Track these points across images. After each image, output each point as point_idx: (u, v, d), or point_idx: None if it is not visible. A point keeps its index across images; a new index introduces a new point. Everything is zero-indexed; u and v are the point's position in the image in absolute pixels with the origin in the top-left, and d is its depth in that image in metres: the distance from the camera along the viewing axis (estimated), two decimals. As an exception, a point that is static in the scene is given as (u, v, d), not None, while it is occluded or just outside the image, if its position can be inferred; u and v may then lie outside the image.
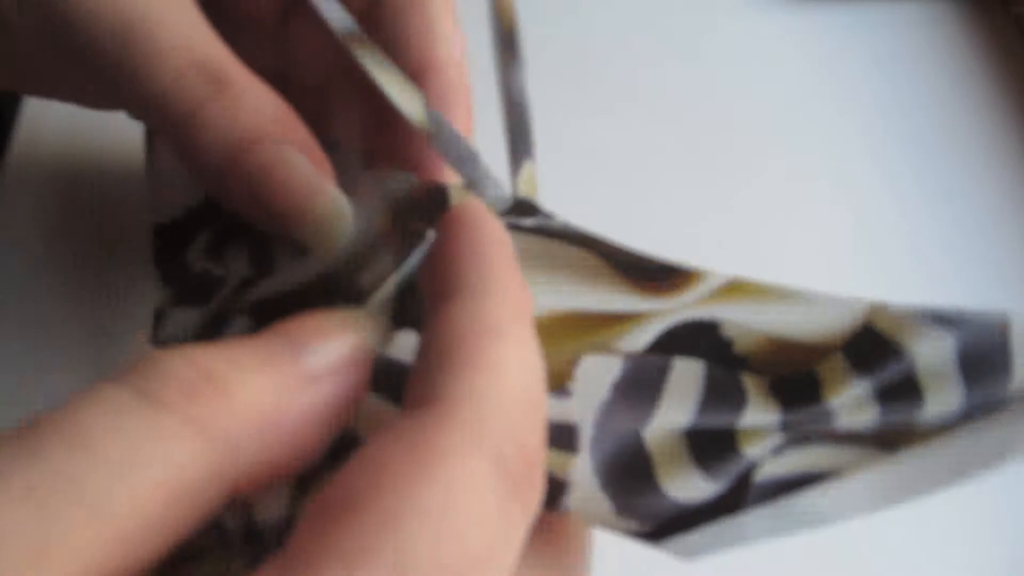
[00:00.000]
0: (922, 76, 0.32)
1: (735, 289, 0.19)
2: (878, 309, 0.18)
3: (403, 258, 0.20)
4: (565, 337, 0.20)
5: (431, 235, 0.19)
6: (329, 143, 0.22)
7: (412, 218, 0.21)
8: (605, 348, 0.19)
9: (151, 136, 0.25)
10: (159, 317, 0.23)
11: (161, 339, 0.22)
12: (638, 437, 0.18)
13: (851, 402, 0.18)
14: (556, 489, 0.18)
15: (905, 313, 0.18)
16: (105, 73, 0.20)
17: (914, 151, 0.31)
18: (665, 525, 0.18)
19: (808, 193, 0.29)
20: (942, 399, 0.17)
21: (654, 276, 0.20)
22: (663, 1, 0.33)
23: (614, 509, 0.18)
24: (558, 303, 0.20)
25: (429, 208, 0.21)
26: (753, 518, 0.17)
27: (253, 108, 0.20)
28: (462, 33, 0.23)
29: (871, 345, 0.18)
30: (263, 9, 0.24)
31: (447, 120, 0.20)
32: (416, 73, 0.22)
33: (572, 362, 0.19)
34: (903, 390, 0.17)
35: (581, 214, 0.23)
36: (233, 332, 0.21)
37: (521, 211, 0.20)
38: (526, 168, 0.20)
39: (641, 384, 0.19)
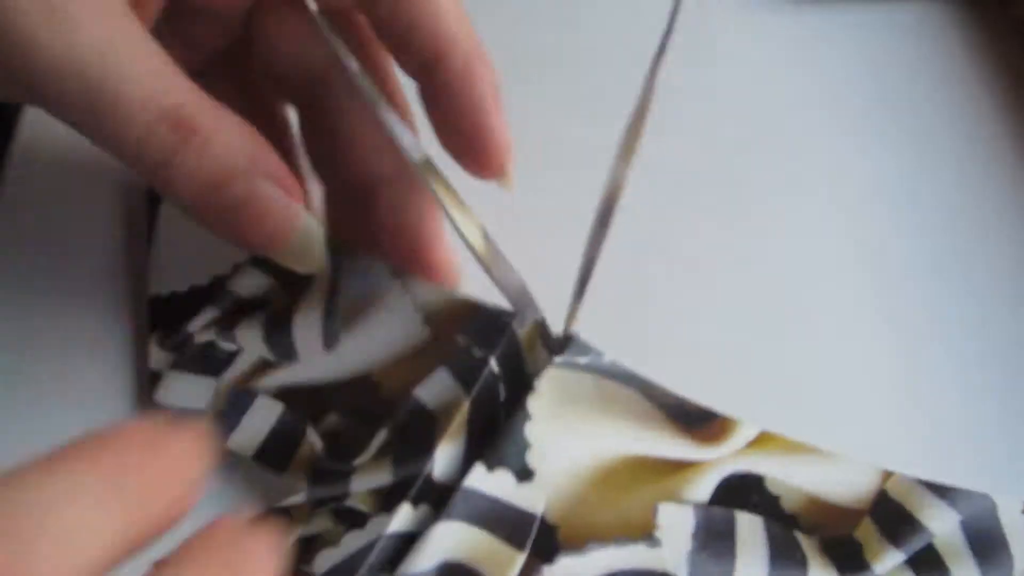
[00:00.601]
0: (920, 77, 0.32)
1: (765, 441, 0.22)
2: (887, 476, 0.22)
3: (460, 378, 0.22)
4: (638, 483, 0.22)
5: (493, 364, 0.22)
6: (351, 250, 0.24)
7: (451, 331, 0.23)
8: (674, 497, 0.22)
9: (153, 210, 0.26)
10: (156, 377, 0.24)
11: (168, 404, 0.24)
12: None
13: (891, 570, 0.21)
14: None
15: (909, 483, 0.22)
16: (77, 127, 0.20)
17: (912, 151, 0.31)
18: None
19: (806, 193, 0.29)
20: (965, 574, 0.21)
21: (698, 422, 0.22)
22: (663, 1, 0.33)
23: None
24: (624, 447, 0.22)
25: (472, 324, 0.22)
26: None
27: (222, 149, 0.20)
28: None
29: (894, 515, 0.21)
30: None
31: (499, 248, 0.21)
32: (433, 59, 0.22)
33: (650, 510, 0.21)
34: (932, 564, 0.21)
35: (581, 213, 0.23)
36: (259, 415, 0.23)
37: (575, 349, 0.22)
38: (579, 311, 0.22)
39: (716, 536, 0.21)
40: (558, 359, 0.22)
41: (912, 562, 0.21)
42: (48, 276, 0.26)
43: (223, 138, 0.21)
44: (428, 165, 0.21)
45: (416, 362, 0.23)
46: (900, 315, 0.27)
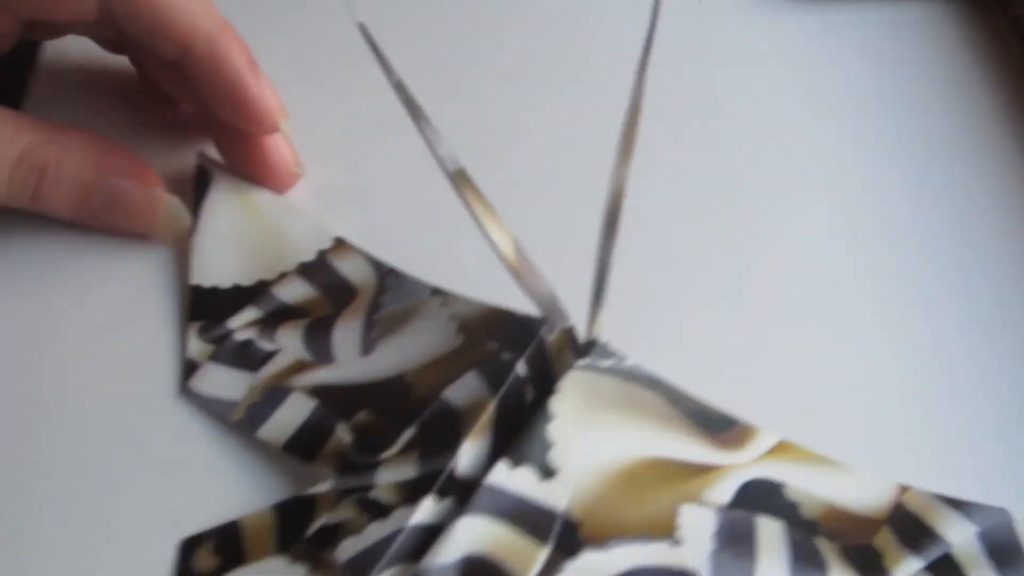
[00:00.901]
0: (920, 76, 0.32)
1: (784, 451, 0.23)
2: (904, 490, 0.22)
3: (488, 380, 0.23)
4: (659, 484, 0.22)
5: (520, 366, 0.23)
6: (396, 273, 0.26)
7: (483, 338, 0.24)
8: (696, 499, 0.22)
9: (202, 203, 0.27)
10: (192, 366, 0.25)
11: (201, 392, 0.24)
12: None
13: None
14: None
15: (925, 496, 0.22)
16: None
17: (912, 151, 0.31)
18: None
19: (805, 193, 0.29)
20: None
21: (719, 428, 0.23)
22: (662, 1, 0.34)
23: None
24: (646, 449, 0.22)
25: (503, 332, 0.24)
26: None
27: (73, 169, 0.25)
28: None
29: (912, 525, 0.22)
30: None
31: (530, 258, 0.22)
32: (181, 51, 0.25)
33: (673, 511, 0.22)
34: (950, 572, 0.22)
35: (581, 213, 0.24)
36: (291, 410, 0.24)
37: (598, 353, 0.23)
38: (601, 317, 0.22)
39: (737, 537, 0.22)
40: (581, 362, 0.22)
41: (930, 569, 0.21)
42: (48, 269, 0.26)
43: (69, 159, 0.24)
44: (462, 175, 0.22)
45: (448, 366, 0.24)
46: (900, 314, 0.27)
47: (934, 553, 0.22)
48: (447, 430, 0.22)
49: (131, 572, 0.22)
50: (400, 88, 0.21)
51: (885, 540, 0.22)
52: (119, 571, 0.22)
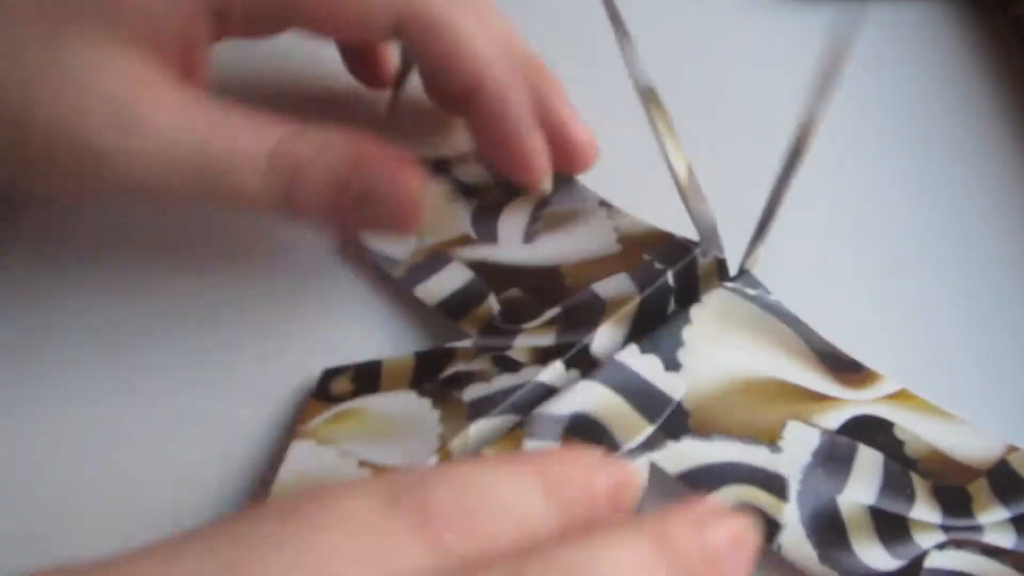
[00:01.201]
0: (920, 76, 0.32)
1: (904, 397, 0.24)
2: (1012, 450, 0.23)
3: (638, 282, 0.24)
4: (774, 399, 0.23)
5: (669, 276, 0.24)
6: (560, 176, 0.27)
7: (640, 250, 0.25)
8: (806, 420, 0.23)
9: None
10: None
11: (373, 247, 0.26)
12: (834, 502, 0.22)
13: (995, 524, 0.22)
14: (772, 527, 0.22)
15: None
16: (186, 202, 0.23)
17: (912, 151, 0.31)
18: None
19: (806, 193, 0.29)
20: None
21: (845, 368, 0.24)
22: (663, 1, 0.34)
23: (816, 556, 0.22)
24: (771, 370, 0.24)
25: (660, 248, 0.25)
26: None
27: (325, 167, 0.22)
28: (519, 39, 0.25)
29: (1009, 481, 0.23)
30: None
31: (700, 185, 0.23)
32: (469, 89, 0.24)
33: (781, 424, 0.23)
34: None
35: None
36: (449, 275, 0.25)
37: (746, 281, 0.24)
38: (758, 251, 0.24)
39: (836, 458, 0.23)
40: (729, 284, 0.24)
41: (1015, 521, 0.22)
42: (48, 270, 0.26)
43: (322, 157, 0.22)
44: (651, 93, 0.23)
45: (602, 265, 0.25)
46: (899, 314, 0.27)
47: (1023, 508, 0.23)
48: (589, 313, 0.24)
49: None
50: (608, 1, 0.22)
51: (979, 488, 0.23)
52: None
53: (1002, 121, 0.31)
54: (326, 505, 0.14)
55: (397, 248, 0.26)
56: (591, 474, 0.16)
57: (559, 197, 0.27)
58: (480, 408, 0.22)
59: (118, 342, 0.25)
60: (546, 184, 0.26)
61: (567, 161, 0.26)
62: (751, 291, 0.24)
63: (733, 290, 0.24)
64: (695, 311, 0.24)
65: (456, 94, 0.24)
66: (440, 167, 0.28)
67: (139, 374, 0.24)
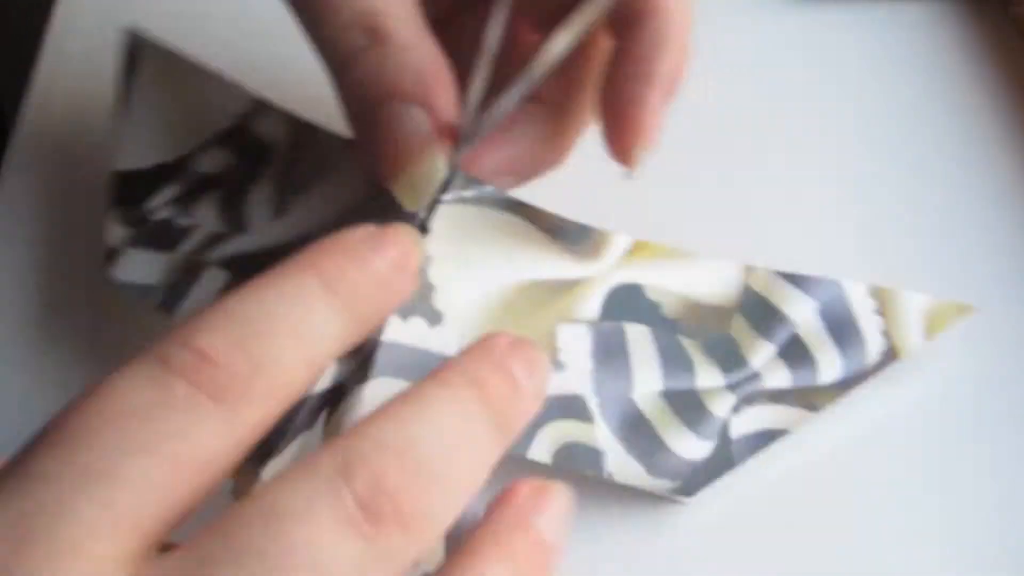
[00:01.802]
0: (921, 76, 0.32)
1: (639, 250, 0.24)
2: (748, 272, 0.24)
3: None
4: (535, 307, 0.23)
5: (422, 214, 0.22)
6: (311, 126, 0.25)
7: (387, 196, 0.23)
8: (568, 318, 0.23)
9: (129, 87, 0.26)
10: (113, 254, 0.24)
11: (123, 279, 0.24)
12: (632, 402, 0.22)
13: (766, 363, 0.23)
14: (595, 457, 0.21)
15: (767, 274, 0.24)
16: (296, 16, 0.22)
17: (913, 150, 0.30)
18: (691, 481, 0.21)
19: (808, 193, 0.29)
20: (829, 361, 0.23)
21: (576, 239, 0.24)
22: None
23: (645, 470, 0.21)
24: (517, 275, 0.23)
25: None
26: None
27: (398, 65, 0.21)
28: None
29: (758, 308, 0.24)
30: None
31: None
32: (636, 15, 0.23)
33: (550, 333, 0.23)
34: (798, 353, 0.23)
35: (584, 212, 0.24)
36: (206, 286, 0.24)
37: (459, 183, 0.23)
38: (474, 142, 0.22)
39: (611, 351, 0.23)
40: (445, 197, 0.22)
41: (782, 355, 0.23)
42: (47, 270, 0.26)
43: (403, 54, 0.21)
44: None
45: (358, 215, 0.23)
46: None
47: (783, 336, 0.23)
48: None
49: None
50: None
51: (739, 329, 0.23)
52: None
53: (1002, 121, 0.31)
54: (100, 394, 0.14)
55: (151, 272, 0.24)
56: (366, 259, 0.17)
57: (304, 152, 0.25)
58: (266, 449, 0.20)
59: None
60: (633, 166, 0.23)
61: (621, 143, 0.23)
62: (468, 193, 0.23)
63: (451, 202, 0.23)
64: (430, 245, 0.22)
65: (617, 16, 0.23)
66: (179, 167, 0.26)
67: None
